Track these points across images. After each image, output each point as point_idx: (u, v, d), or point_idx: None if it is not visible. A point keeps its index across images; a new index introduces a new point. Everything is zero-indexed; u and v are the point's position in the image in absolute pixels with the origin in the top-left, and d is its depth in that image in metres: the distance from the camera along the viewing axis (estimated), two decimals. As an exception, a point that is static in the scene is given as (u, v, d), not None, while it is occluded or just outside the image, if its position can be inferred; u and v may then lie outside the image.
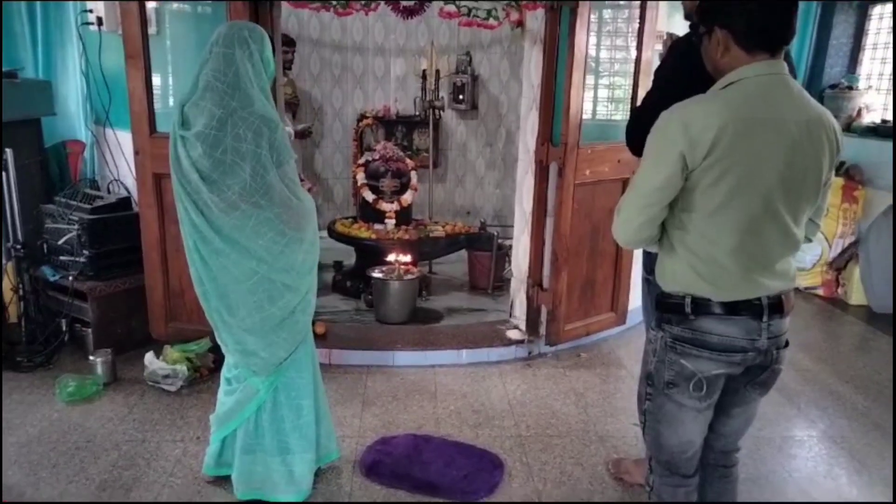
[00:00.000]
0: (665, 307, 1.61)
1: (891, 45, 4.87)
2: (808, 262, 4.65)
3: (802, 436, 2.84)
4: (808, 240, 1.66)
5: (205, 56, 2.03)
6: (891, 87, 4.92)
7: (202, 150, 1.98)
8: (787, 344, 1.62)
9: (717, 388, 1.61)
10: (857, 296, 4.43)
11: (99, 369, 3.03)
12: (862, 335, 4.07)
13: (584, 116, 3.25)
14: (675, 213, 1.56)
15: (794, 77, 2.16)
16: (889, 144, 4.34)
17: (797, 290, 4.68)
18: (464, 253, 4.61)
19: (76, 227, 3.24)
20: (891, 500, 2.31)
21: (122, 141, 3.57)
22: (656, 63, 2.72)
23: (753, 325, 1.54)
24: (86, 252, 3.25)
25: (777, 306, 1.55)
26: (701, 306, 1.54)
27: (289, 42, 4.82)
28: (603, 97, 4.03)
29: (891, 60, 4.90)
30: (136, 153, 3.13)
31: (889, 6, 4.88)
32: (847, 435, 2.83)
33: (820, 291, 4.64)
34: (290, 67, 4.90)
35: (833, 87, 5.09)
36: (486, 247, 4.43)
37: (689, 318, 1.56)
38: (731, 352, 1.55)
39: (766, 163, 1.45)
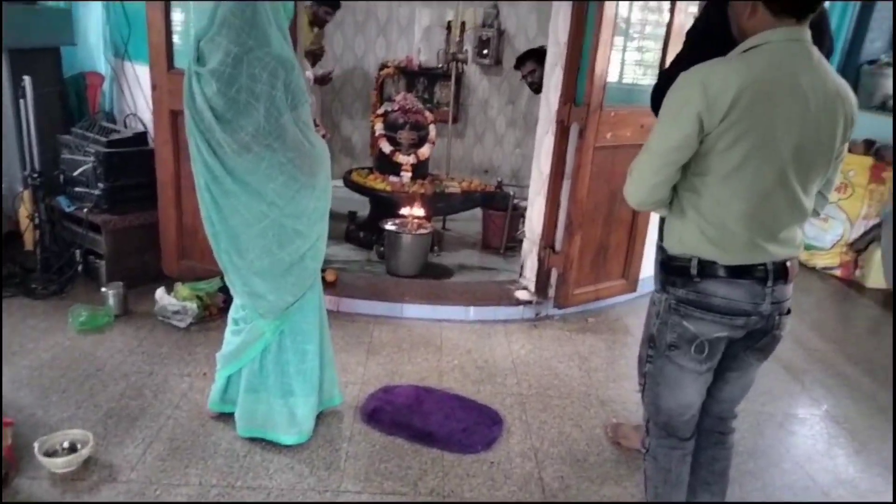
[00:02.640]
0: (671, 269, 1.62)
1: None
2: (828, 241, 4.57)
3: (805, 414, 2.83)
4: (816, 213, 1.66)
5: (222, -11, 1.98)
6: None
7: (216, 87, 1.95)
8: (789, 311, 1.63)
9: (717, 352, 1.63)
10: (874, 278, 4.36)
11: (111, 301, 3.08)
12: (876, 318, 4.02)
13: (611, 79, 3.16)
14: (688, 176, 1.56)
15: (832, 47, 2.10)
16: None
17: (814, 269, 4.62)
18: (478, 211, 4.58)
19: (92, 159, 3.24)
20: (891, 500, 2.30)
21: (141, 75, 3.55)
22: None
23: (758, 289, 1.55)
24: (101, 185, 3.26)
25: (781, 272, 1.56)
26: (706, 269, 1.55)
27: (334, 5, 4.74)
28: (631, 60, 3.91)
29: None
30: (154, 88, 3.11)
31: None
32: (850, 416, 2.82)
33: (837, 272, 4.57)
34: (322, 26, 4.81)
35: (872, 62, 4.90)
36: (501, 206, 4.40)
37: (695, 280, 1.57)
38: (735, 315, 1.56)
39: (781, 129, 1.44)
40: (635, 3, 3.27)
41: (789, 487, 2.32)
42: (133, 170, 3.34)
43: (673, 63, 2.08)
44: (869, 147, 4.48)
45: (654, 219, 2.91)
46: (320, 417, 2.43)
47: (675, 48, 3.08)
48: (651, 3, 3.58)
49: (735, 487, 2.22)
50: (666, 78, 2.00)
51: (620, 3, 3.05)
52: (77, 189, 3.34)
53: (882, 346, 3.56)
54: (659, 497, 1.77)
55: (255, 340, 2.23)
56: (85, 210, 3.27)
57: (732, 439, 1.84)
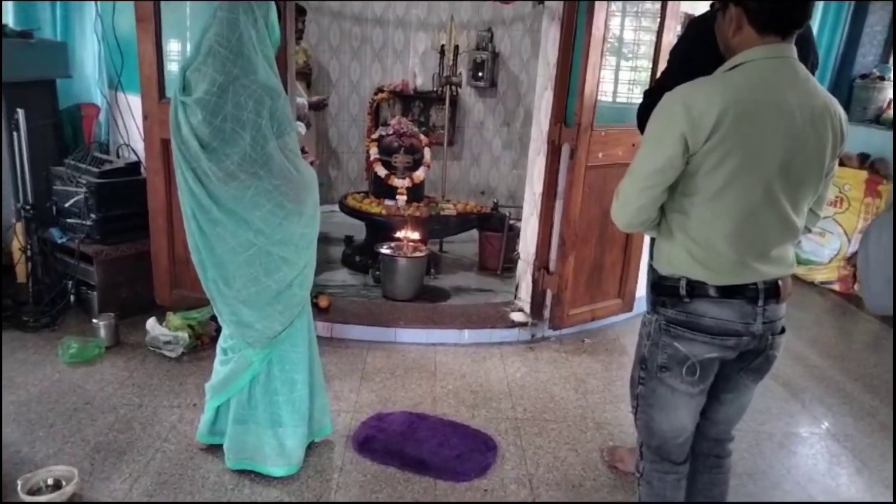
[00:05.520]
0: (660, 290, 1.60)
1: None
2: (825, 256, 4.54)
3: (805, 432, 2.78)
4: (808, 230, 1.64)
5: (208, 20, 1.99)
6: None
7: (202, 116, 1.95)
8: (783, 330, 1.60)
9: (710, 373, 1.59)
10: (874, 293, 4.32)
11: (102, 332, 3.05)
12: (876, 333, 3.97)
13: (604, 98, 3.17)
14: (675, 196, 1.53)
15: (816, 62, 2.10)
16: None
17: (812, 284, 4.58)
18: (475, 233, 4.57)
19: (84, 190, 3.24)
20: (891, 500, 2.26)
21: (134, 105, 3.56)
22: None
23: (748, 309, 1.52)
24: (93, 215, 3.26)
25: (773, 291, 1.53)
26: (696, 289, 1.53)
27: (300, 11, 4.75)
28: (625, 79, 3.93)
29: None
30: (145, 118, 3.12)
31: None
32: (851, 434, 2.77)
33: (836, 287, 4.53)
34: (301, 37, 4.83)
35: (864, 77, 4.91)
36: (497, 227, 4.39)
37: (684, 300, 1.54)
38: (725, 335, 1.53)
39: (767, 147, 1.42)
40: (628, 22, 3.28)
41: (790, 510, 2.28)
42: (125, 200, 3.33)
43: (657, 82, 2.08)
44: (863, 160, 4.48)
45: (647, 238, 2.90)
46: (311, 447, 2.39)
47: (664, 65, 3.11)
48: (644, 22, 3.61)
49: (734, 511, 2.18)
50: (651, 97, 2.01)
51: (611, 23, 3.06)
52: (69, 220, 3.34)
53: (882, 362, 3.50)
54: (654, 523, 1.73)
55: (244, 370, 2.20)
56: (77, 241, 3.26)
57: (729, 463, 1.81)
